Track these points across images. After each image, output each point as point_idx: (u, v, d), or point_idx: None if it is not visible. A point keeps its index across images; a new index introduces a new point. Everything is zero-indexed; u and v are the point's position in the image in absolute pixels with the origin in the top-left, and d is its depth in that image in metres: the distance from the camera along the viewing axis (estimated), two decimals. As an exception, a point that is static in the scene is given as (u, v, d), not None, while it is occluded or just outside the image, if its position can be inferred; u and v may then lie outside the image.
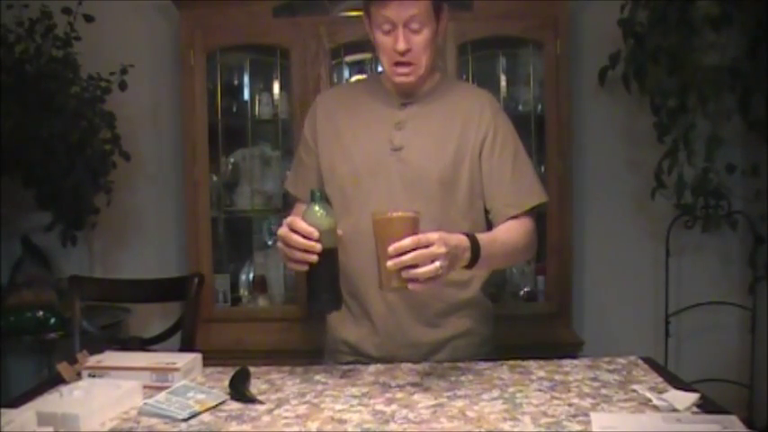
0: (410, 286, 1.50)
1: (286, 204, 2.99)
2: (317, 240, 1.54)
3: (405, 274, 1.49)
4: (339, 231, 1.61)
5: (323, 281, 1.59)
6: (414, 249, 1.48)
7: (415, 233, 1.50)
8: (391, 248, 1.48)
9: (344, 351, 1.90)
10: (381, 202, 1.76)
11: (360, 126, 1.84)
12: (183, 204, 3.06)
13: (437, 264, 1.50)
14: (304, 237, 1.54)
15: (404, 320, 1.82)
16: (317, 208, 1.58)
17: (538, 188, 1.86)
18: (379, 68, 1.86)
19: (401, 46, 1.71)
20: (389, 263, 1.48)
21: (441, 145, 1.80)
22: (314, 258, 1.55)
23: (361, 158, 1.82)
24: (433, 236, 1.51)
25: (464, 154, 1.81)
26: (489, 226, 1.84)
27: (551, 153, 2.92)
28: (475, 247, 1.62)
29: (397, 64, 1.75)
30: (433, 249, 1.49)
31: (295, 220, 1.56)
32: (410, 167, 1.79)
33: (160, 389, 1.57)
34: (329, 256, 1.57)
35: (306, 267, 1.57)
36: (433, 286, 1.53)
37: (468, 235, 1.62)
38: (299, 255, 1.56)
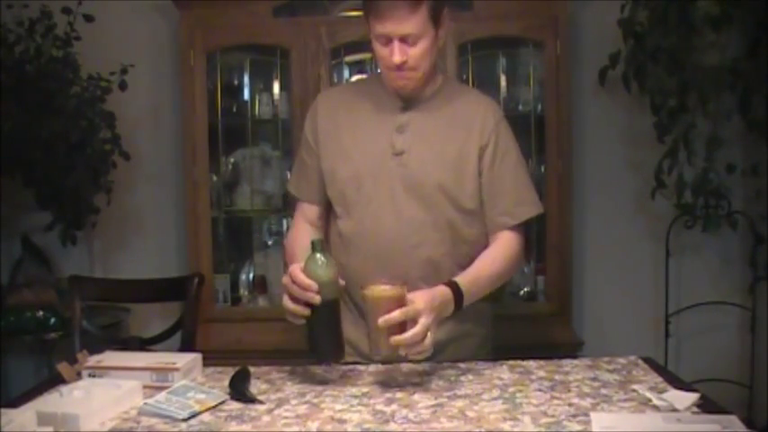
0: (401, 352, 1.57)
1: (286, 204, 2.99)
2: (317, 292, 1.55)
3: (393, 340, 1.55)
4: (341, 282, 1.62)
5: (324, 331, 1.60)
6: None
7: (403, 305, 1.55)
8: (381, 321, 1.54)
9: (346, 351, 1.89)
10: (382, 206, 1.79)
11: (360, 128, 1.83)
12: (183, 204, 3.06)
13: (426, 332, 1.57)
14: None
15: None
16: (318, 256, 1.57)
17: (535, 200, 1.87)
18: (380, 69, 1.86)
19: (397, 59, 1.71)
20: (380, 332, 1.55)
21: (442, 150, 1.80)
22: (307, 312, 1.57)
23: (362, 161, 1.81)
24: (420, 305, 1.57)
25: (467, 161, 1.80)
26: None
27: (551, 153, 2.92)
28: (458, 296, 1.68)
29: (397, 69, 1.74)
30: (423, 320, 1.56)
31: (296, 271, 1.57)
32: (411, 172, 1.79)
33: (160, 389, 1.57)
34: (330, 306, 1.58)
35: (302, 321, 1.59)
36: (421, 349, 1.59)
37: (451, 285, 1.68)
38: (298, 307, 1.58)
